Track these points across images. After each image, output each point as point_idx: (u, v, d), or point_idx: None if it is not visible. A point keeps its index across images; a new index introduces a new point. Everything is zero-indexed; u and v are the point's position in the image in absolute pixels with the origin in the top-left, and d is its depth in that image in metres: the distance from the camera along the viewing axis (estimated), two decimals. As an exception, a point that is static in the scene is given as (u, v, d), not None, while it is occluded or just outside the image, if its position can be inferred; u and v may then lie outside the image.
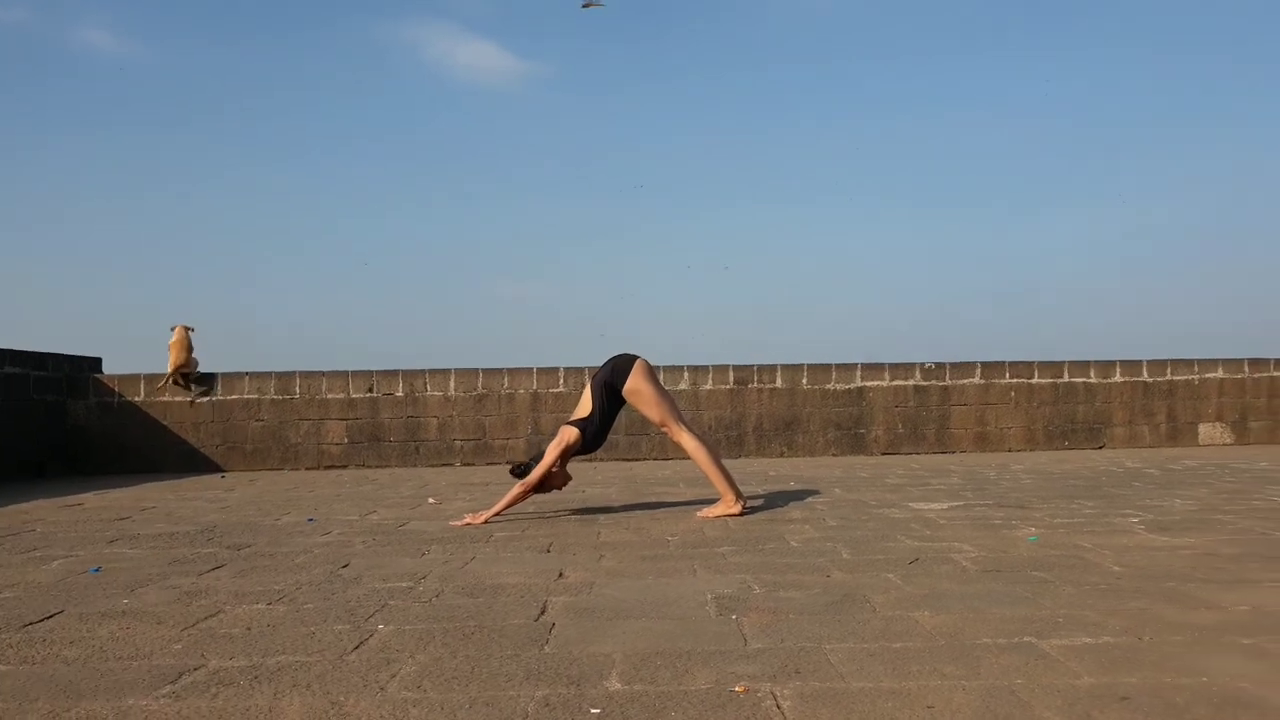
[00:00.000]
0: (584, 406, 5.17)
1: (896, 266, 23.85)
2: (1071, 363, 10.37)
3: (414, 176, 23.88)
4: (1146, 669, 2.19)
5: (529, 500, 5.38)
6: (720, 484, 5.17)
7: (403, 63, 23.26)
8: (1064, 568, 3.44)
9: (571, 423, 5.14)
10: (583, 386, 9.96)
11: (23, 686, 2.22)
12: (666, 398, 5.24)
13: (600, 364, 5.33)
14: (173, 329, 9.70)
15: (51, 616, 2.96)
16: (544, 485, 5.22)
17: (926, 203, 24.19)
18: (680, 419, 5.25)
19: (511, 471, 5.24)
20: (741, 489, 5.30)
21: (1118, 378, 10.34)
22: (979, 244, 24.03)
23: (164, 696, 2.12)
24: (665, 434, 5.35)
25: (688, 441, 5.19)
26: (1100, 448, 10.20)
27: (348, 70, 22.70)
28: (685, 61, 23.91)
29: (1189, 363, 10.48)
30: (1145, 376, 10.37)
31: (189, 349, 9.61)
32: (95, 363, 10.08)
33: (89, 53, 21.62)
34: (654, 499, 6.08)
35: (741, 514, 5.11)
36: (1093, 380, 10.32)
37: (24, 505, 6.45)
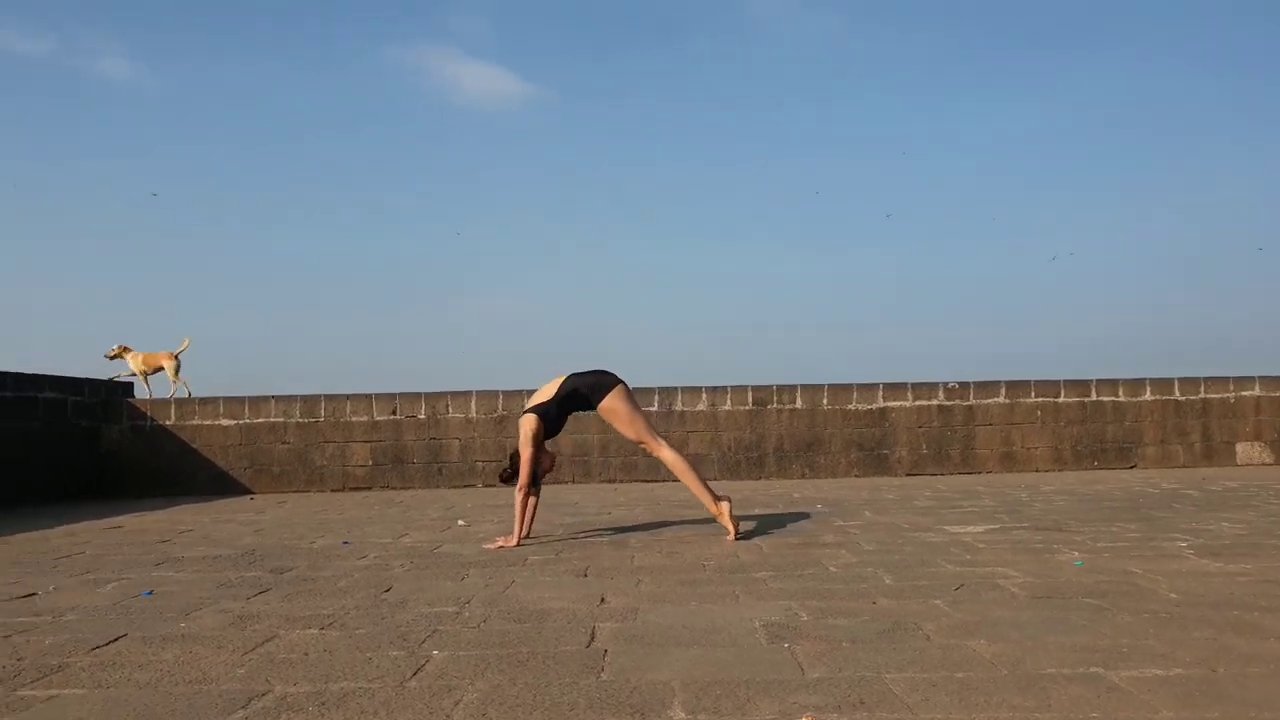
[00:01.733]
0: (544, 393, 5.23)
1: (909, 290, 23.85)
2: (1099, 381, 10.32)
3: (424, 200, 24.04)
4: (1229, 703, 2.15)
5: (555, 522, 5.40)
6: (701, 494, 5.25)
7: (412, 88, 23.46)
8: (1118, 594, 3.41)
9: (531, 409, 5.19)
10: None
11: (102, 710, 2.25)
12: (641, 416, 5.31)
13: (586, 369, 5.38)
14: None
15: (116, 640, 2.99)
16: (535, 478, 5.27)
17: (944, 225, 24.17)
18: (655, 434, 5.32)
19: (501, 477, 5.36)
20: (766, 512, 5.31)
21: (1148, 396, 10.27)
22: (993, 265, 23.99)
23: (237, 724, 2.14)
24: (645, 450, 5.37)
25: (666, 454, 5.26)
26: (1131, 467, 10.14)
27: (360, 96, 22.91)
28: (687, 86, 24.00)
29: (1224, 380, 10.39)
30: (1177, 394, 10.29)
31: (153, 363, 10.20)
32: (128, 387, 10.21)
33: (108, 82, 21.93)
34: (678, 520, 6.08)
35: (731, 512, 5.23)
36: (1121, 399, 10.26)
37: (70, 527, 6.56)
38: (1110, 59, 23.11)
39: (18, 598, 3.79)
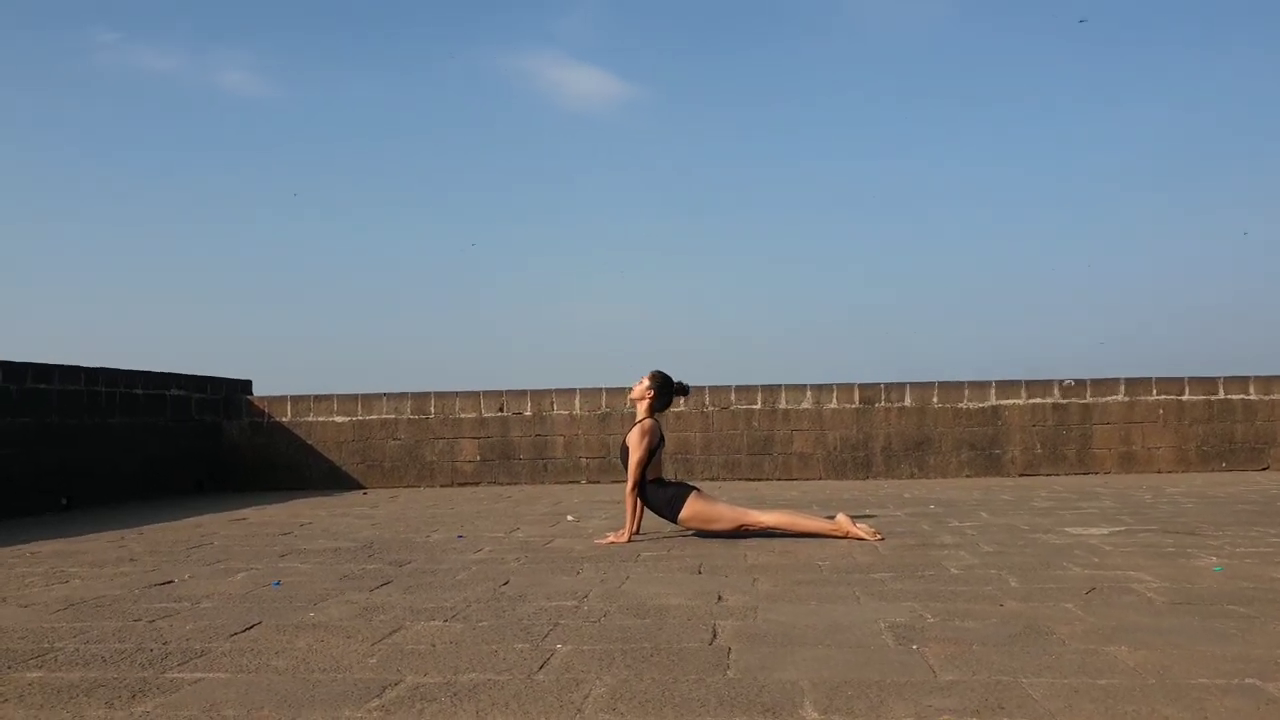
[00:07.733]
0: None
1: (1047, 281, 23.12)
2: (1227, 378, 9.81)
3: (531, 205, 24.35)
4: (1400, 717, 2.03)
5: (662, 519, 5.35)
6: (818, 527, 5.12)
7: (516, 93, 23.80)
8: (1265, 602, 3.22)
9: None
10: (702, 406, 9.95)
11: (245, 694, 2.34)
12: (721, 503, 5.32)
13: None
14: None
15: (252, 628, 3.10)
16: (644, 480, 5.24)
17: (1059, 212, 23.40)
18: (742, 507, 5.32)
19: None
20: (878, 513, 5.21)
21: (1281, 394, 9.71)
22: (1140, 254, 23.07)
23: (375, 710, 2.19)
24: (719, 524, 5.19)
25: (769, 518, 5.15)
26: (1264, 469, 9.61)
27: (467, 103, 23.36)
28: (787, 86, 23.67)
29: (1368, 377, 9.74)
30: (1316, 393, 9.70)
31: None
32: (247, 385, 10.63)
33: (230, 95, 22.92)
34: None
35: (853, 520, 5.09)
36: (1253, 396, 9.74)
37: (197, 519, 6.85)
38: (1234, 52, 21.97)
39: (156, 585, 3.97)
